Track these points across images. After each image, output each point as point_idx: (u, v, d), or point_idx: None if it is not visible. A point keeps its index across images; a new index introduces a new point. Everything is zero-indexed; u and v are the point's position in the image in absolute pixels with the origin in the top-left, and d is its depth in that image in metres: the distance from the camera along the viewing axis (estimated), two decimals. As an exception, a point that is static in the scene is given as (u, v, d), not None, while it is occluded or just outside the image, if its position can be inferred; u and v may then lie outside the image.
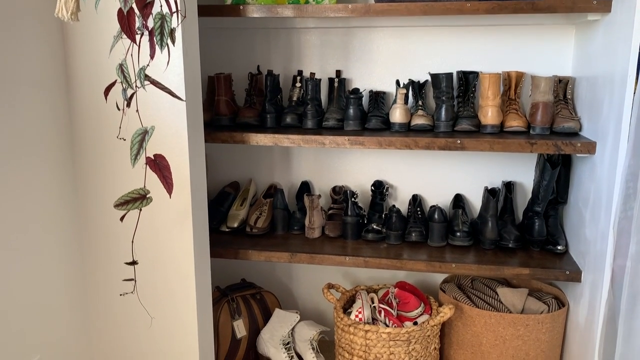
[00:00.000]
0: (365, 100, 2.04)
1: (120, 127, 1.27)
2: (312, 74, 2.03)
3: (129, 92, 1.15)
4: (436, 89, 1.90)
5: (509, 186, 2.03)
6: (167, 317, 1.70)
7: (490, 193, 1.98)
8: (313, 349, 2.02)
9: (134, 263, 1.26)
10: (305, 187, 2.18)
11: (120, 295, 1.70)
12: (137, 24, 1.10)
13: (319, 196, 2.05)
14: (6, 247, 1.45)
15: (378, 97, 1.98)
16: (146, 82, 1.13)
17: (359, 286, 2.09)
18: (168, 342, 1.72)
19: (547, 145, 1.68)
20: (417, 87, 1.96)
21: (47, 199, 1.59)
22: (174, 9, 1.14)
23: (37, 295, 1.57)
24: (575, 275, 1.74)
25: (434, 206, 2.00)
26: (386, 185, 2.10)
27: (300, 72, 2.06)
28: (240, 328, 2.05)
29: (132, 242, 1.31)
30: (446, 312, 1.83)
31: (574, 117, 1.79)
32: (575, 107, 1.87)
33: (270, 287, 2.33)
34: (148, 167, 1.13)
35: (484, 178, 2.09)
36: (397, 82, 1.99)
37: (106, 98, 1.17)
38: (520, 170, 2.06)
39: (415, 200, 2.08)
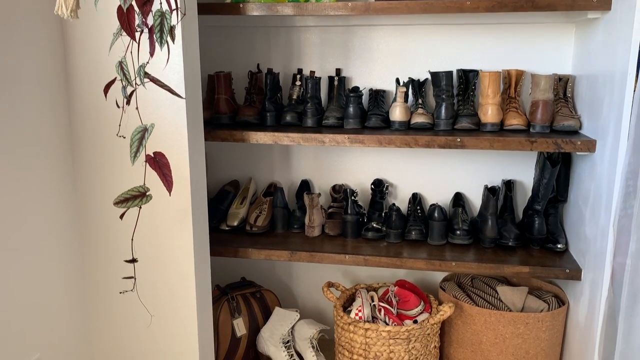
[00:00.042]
0: (365, 99, 2.04)
1: (120, 125, 1.27)
2: (312, 73, 2.03)
3: (129, 89, 1.15)
4: (436, 87, 1.90)
5: (509, 184, 2.02)
6: (167, 316, 1.70)
7: (490, 191, 1.98)
8: (313, 347, 2.02)
9: (133, 261, 1.26)
10: (305, 186, 2.18)
11: (120, 293, 1.70)
12: (137, 21, 1.09)
13: (319, 195, 2.05)
14: (5, 244, 1.45)
15: (378, 96, 1.98)
16: (146, 80, 1.13)
17: (359, 285, 2.09)
18: (168, 341, 1.72)
19: (547, 143, 1.68)
20: (417, 86, 1.96)
21: (47, 196, 1.59)
22: (173, 7, 1.14)
23: (36, 293, 1.57)
24: (575, 274, 1.74)
25: (433, 205, 2.00)
26: (386, 184, 2.10)
27: (300, 71, 2.05)
28: (240, 326, 2.04)
29: (132, 239, 1.31)
30: (446, 311, 1.83)
31: (574, 116, 1.79)
32: (575, 105, 1.87)
33: (270, 285, 2.32)
34: (148, 164, 1.13)
35: (484, 176, 2.09)
36: (397, 81, 1.99)
37: (106, 96, 1.17)
38: (520, 169, 2.06)
39: (415, 199, 2.08)
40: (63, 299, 1.68)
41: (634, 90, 1.43)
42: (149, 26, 1.09)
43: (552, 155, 1.89)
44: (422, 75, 2.03)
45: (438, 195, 2.13)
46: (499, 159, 2.06)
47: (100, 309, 1.77)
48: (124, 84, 1.13)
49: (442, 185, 2.12)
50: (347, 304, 2.01)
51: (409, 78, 1.99)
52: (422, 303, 1.90)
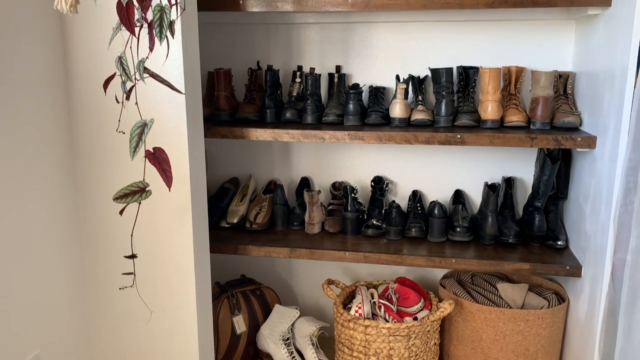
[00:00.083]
0: (365, 96, 2.04)
1: (119, 120, 1.26)
2: (312, 69, 2.03)
3: (128, 84, 1.15)
4: (436, 84, 1.90)
5: (509, 181, 2.02)
6: (167, 312, 1.70)
7: (491, 188, 1.98)
8: (313, 344, 2.02)
9: (133, 257, 1.26)
10: (305, 183, 2.18)
11: (120, 289, 1.69)
12: (137, 16, 1.09)
13: (319, 192, 2.04)
14: (5, 241, 1.44)
15: (378, 92, 1.98)
16: (145, 75, 1.13)
17: (359, 282, 2.09)
18: (167, 337, 1.72)
19: (547, 140, 1.68)
20: (417, 82, 1.96)
21: (46, 192, 1.59)
22: (173, 1, 1.14)
23: (35, 289, 1.57)
24: (575, 270, 1.74)
25: (433, 202, 1.99)
26: (386, 181, 2.10)
27: (300, 68, 2.05)
28: (240, 324, 2.04)
29: (132, 235, 1.31)
30: (446, 308, 1.83)
31: (574, 112, 1.79)
32: (576, 102, 1.86)
33: (270, 283, 2.32)
34: (147, 160, 1.13)
35: (484, 173, 2.08)
36: (397, 77, 1.98)
37: (105, 91, 1.17)
38: (520, 166, 2.06)
39: (415, 196, 2.08)
40: (62, 294, 1.67)
41: (634, 87, 1.42)
42: (149, 21, 1.09)
43: (552, 152, 1.89)
44: (422, 72, 2.03)
45: (438, 192, 2.13)
46: (499, 156, 2.06)
47: (100, 305, 1.77)
48: (123, 79, 1.13)
49: (442, 182, 2.12)
50: (347, 301, 2.01)
51: (409, 75, 1.99)
52: (422, 300, 1.90)
